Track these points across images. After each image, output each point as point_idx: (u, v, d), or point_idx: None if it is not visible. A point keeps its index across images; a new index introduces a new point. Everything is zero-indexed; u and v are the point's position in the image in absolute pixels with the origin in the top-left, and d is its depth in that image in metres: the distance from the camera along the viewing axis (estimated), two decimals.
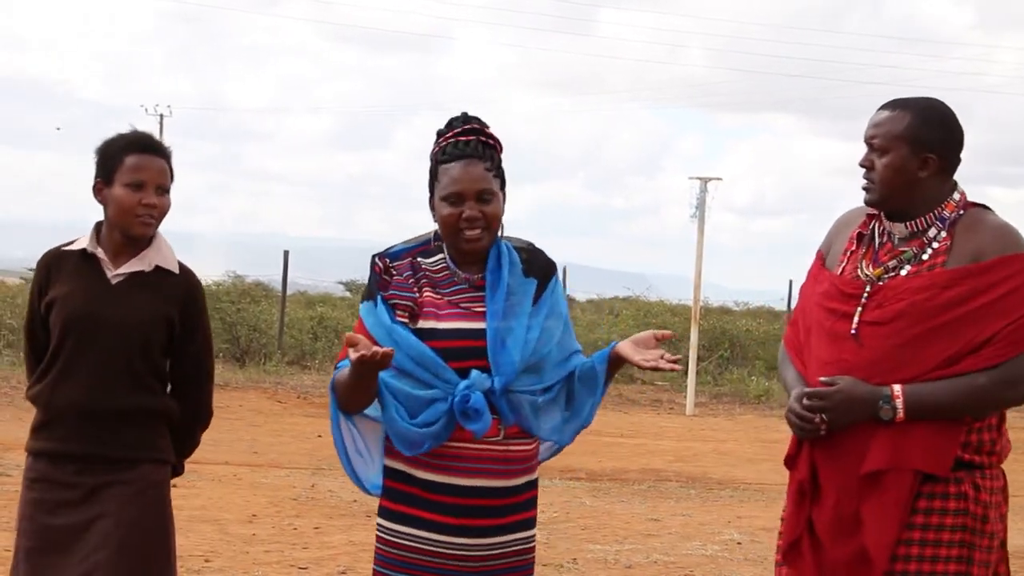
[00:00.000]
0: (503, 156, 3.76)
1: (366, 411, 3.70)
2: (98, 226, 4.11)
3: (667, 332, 3.74)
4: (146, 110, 57.39)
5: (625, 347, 3.72)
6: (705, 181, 20.19)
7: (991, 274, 3.57)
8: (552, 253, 3.93)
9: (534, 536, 3.82)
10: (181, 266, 4.14)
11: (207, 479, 11.05)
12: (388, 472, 3.73)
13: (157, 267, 4.07)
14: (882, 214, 3.77)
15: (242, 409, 16.90)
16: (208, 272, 29.86)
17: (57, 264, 4.09)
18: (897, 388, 3.55)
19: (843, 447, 3.62)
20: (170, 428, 4.15)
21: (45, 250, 4.19)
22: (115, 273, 4.04)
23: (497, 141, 3.76)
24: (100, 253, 4.05)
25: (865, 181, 3.73)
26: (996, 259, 3.58)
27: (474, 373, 3.60)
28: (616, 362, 3.77)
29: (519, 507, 3.74)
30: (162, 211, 4.03)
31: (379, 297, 3.68)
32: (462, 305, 3.69)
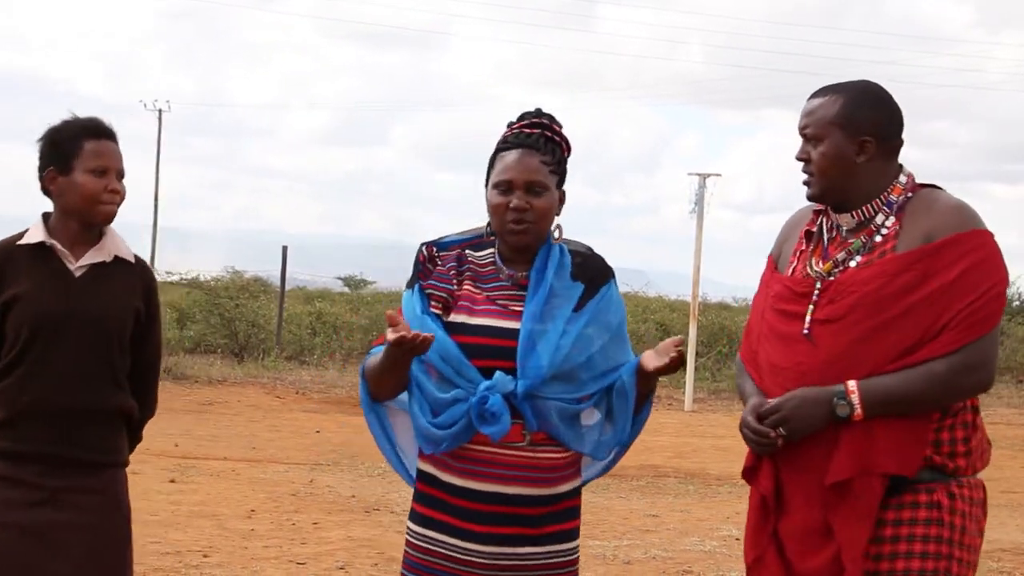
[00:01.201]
0: (568, 158, 3.62)
1: (396, 401, 3.61)
2: (46, 217, 3.89)
3: (679, 338, 3.51)
4: (145, 106, 57.25)
5: (646, 357, 3.53)
6: (704, 177, 20.20)
7: (945, 253, 3.32)
8: None
9: (576, 549, 3.63)
10: (135, 255, 3.98)
11: (206, 474, 11.06)
12: (419, 475, 3.61)
13: (116, 257, 3.89)
14: (828, 208, 3.55)
15: (240, 405, 16.92)
16: (207, 268, 29.81)
17: (9, 260, 3.84)
18: (852, 383, 3.31)
19: (806, 456, 3.40)
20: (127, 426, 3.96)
21: None
22: (77, 265, 3.84)
23: (564, 140, 3.61)
24: (58, 245, 3.83)
25: (805, 175, 3.51)
26: (949, 237, 3.33)
27: (497, 374, 3.43)
28: (645, 374, 3.54)
29: (554, 517, 3.55)
30: (123, 197, 3.87)
31: (417, 285, 3.57)
32: (499, 302, 3.54)
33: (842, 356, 3.37)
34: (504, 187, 3.51)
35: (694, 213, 20.22)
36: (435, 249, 3.62)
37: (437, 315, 3.53)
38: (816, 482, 3.37)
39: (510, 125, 3.61)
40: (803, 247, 3.59)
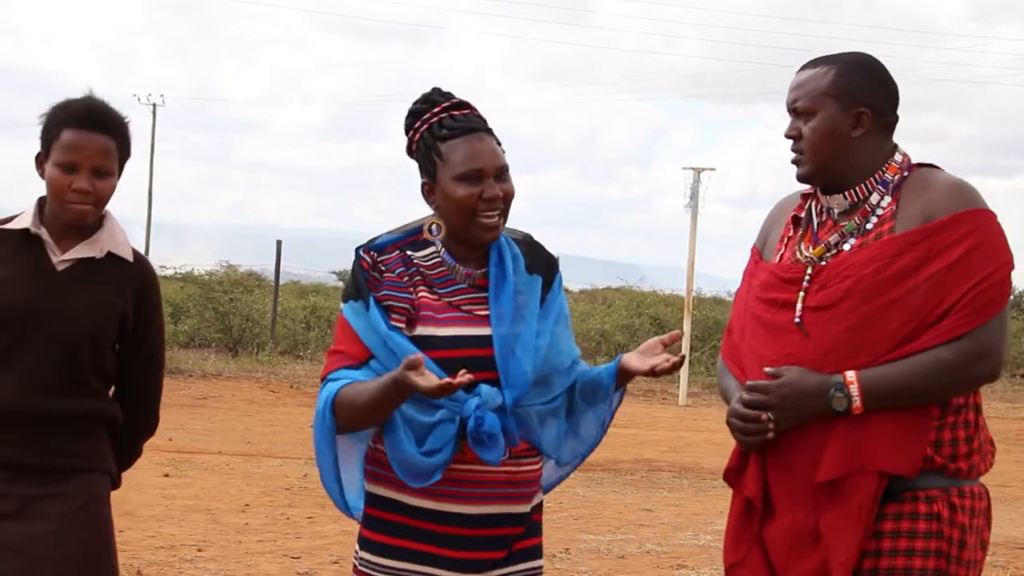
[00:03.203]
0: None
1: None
2: (41, 203, 3.55)
3: (675, 333, 3.28)
4: (139, 100, 57.19)
5: (631, 359, 3.29)
6: (699, 171, 20.20)
7: (946, 233, 3.09)
8: (546, 244, 3.47)
9: (541, 568, 3.34)
10: (136, 253, 3.60)
11: (200, 469, 11.05)
12: (370, 499, 3.27)
13: (109, 253, 3.52)
14: (817, 190, 3.31)
15: (235, 399, 16.91)
16: (201, 262, 29.77)
17: None
18: (851, 374, 3.06)
19: (794, 452, 3.16)
20: (111, 436, 3.60)
21: None
22: (61, 258, 3.48)
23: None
24: (44, 235, 3.48)
25: (795, 154, 3.27)
26: (950, 216, 3.11)
27: (484, 388, 3.12)
28: (623, 375, 3.32)
29: (524, 535, 3.27)
30: (100, 196, 3.46)
31: (371, 298, 3.17)
32: (463, 308, 3.21)
33: (836, 345, 3.14)
34: (474, 176, 3.18)
35: (689, 207, 20.23)
36: (375, 253, 3.23)
37: (401, 329, 3.16)
38: (804, 481, 3.14)
39: (421, 112, 3.27)
40: (790, 233, 3.37)
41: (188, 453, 11.97)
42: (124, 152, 3.53)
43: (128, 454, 3.70)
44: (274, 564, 7.61)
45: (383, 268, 3.20)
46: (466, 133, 3.21)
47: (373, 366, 3.16)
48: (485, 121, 3.27)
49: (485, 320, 3.19)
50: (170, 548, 7.88)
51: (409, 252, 3.24)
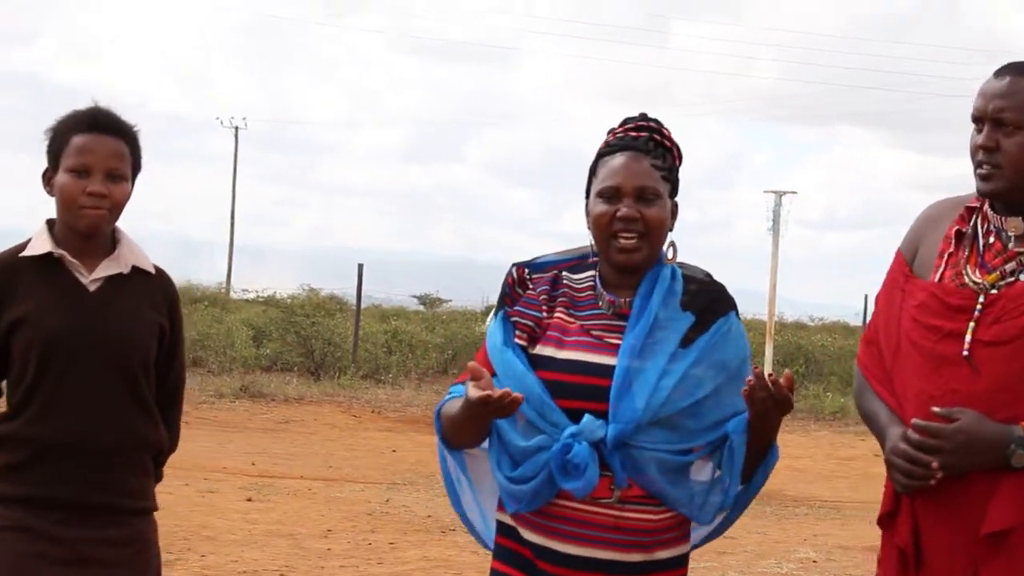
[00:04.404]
0: (680, 167, 3.17)
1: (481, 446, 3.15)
2: (50, 224, 3.38)
3: (787, 373, 2.93)
4: (221, 122, 57.80)
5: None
6: (780, 194, 20.10)
7: None
8: None
9: None
10: (156, 266, 3.47)
11: (283, 493, 11.12)
12: (499, 527, 3.15)
13: (134, 268, 3.38)
14: (987, 206, 3.03)
15: (317, 423, 17.00)
16: (282, 285, 29.97)
17: (10, 276, 3.30)
18: None
19: (955, 500, 2.90)
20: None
21: None
22: (91, 278, 3.32)
23: (676, 146, 3.16)
24: (67, 256, 3.30)
25: (986, 167, 2.97)
26: None
27: (586, 418, 2.94)
28: (755, 423, 2.98)
29: None
30: (115, 201, 3.29)
31: (502, 312, 3.12)
32: (594, 333, 3.05)
33: (1009, 386, 2.88)
34: (610, 194, 3.04)
35: (771, 230, 20.12)
36: (526, 271, 3.16)
37: (522, 347, 3.06)
38: (966, 532, 2.89)
39: (611, 131, 3.17)
40: (951, 249, 3.06)
41: (270, 477, 12.05)
42: (136, 159, 3.38)
43: (157, 478, 3.51)
44: None
45: (528, 285, 3.14)
46: (620, 151, 3.08)
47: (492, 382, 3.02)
48: (656, 144, 3.12)
49: (614, 349, 3.02)
50: (253, 573, 7.93)
51: (566, 273, 3.15)
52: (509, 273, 3.17)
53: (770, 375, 2.89)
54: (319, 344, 22.71)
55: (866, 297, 25.39)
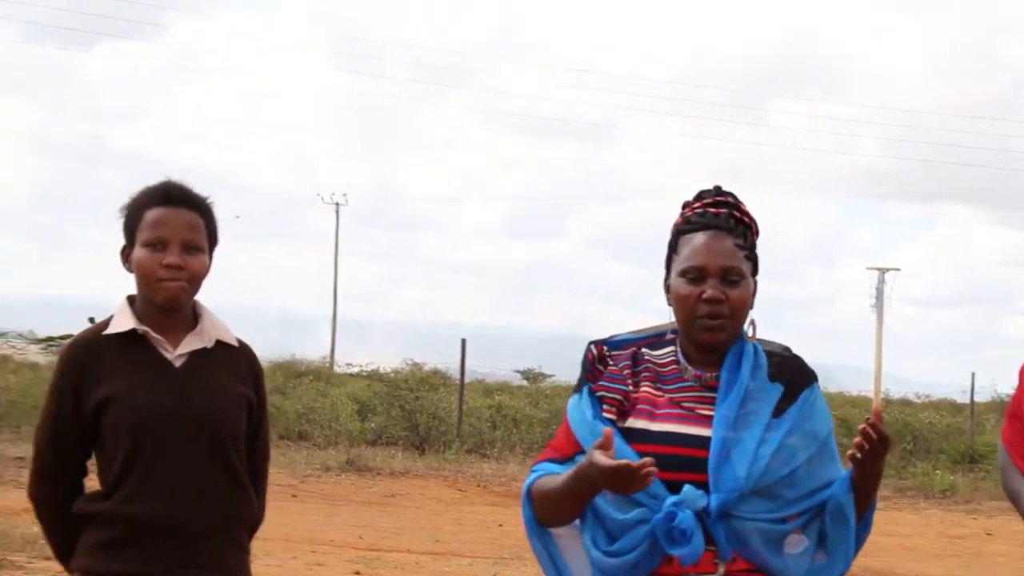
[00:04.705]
0: (758, 241, 3.19)
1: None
2: (131, 300, 3.35)
3: (875, 408, 3.02)
4: (322, 199, 58.50)
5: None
6: (883, 271, 20.02)
7: None
8: None
9: None
10: (239, 340, 3.44)
11: (390, 567, 11.20)
12: None
13: (218, 342, 3.36)
14: None
15: (423, 497, 17.08)
16: (385, 360, 30.11)
17: (95, 354, 3.27)
18: None
19: None
20: None
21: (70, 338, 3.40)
22: (176, 354, 3.29)
23: (753, 221, 3.18)
24: (151, 332, 3.27)
25: None
26: None
27: (687, 488, 2.92)
28: (859, 483, 3.04)
29: None
30: (193, 274, 3.27)
31: (586, 388, 3.10)
32: (684, 405, 3.05)
33: None
34: (694, 274, 3.05)
35: (875, 307, 20.04)
36: (605, 348, 3.16)
37: (611, 421, 3.04)
38: None
39: (687, 205, 3.18)
40: None
41: (378, 551, 12.14)
42: (212, 231, 3.36)
43: None
44: None
45: (609, 362, 3.13)
46: (703, 229, 3.09)
47: (578, 460, 3.00)
48: (740, 224, 3.13)
49: (707, 421, 3.01)
50: None
51: (645, 350, 3.15)
52: (588, 350, 3.17)
53: (867, 419, 2.97)
54: (424, 418, 22.84)
55: (973, 374, 25.09)
